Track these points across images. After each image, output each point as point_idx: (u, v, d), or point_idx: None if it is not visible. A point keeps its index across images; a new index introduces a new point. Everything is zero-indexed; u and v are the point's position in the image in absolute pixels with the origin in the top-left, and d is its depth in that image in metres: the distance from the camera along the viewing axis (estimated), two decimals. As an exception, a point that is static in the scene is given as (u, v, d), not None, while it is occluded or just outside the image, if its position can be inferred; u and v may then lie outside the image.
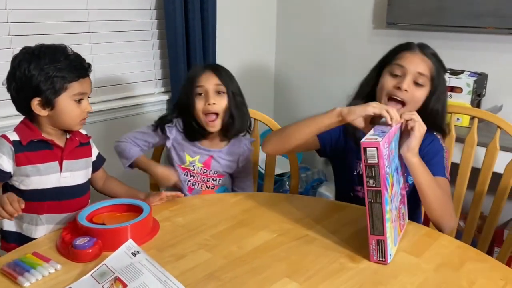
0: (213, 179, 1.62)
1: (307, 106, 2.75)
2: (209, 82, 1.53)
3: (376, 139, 1.01)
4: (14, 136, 1.25)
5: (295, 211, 1.33)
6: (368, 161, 1.01)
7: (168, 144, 1.59)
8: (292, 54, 2.81)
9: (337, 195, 1.59)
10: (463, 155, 1.63)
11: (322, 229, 1.23)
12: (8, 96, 1.27)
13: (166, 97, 2.34)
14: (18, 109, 1.28)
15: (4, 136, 1.24)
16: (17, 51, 1.25)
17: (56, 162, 1.28)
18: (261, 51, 2.81)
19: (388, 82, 1.34)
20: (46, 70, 1.20)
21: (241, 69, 2.70)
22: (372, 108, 1.19)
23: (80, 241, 1.07)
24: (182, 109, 1.59)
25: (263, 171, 1.92)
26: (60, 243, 1.13)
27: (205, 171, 1.60)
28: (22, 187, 1.26)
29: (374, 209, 1.04)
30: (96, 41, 2.07)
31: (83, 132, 1.39)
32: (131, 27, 2.19)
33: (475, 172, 1.61)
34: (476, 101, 1.99)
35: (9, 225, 1.32)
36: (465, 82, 1.93)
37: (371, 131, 1.09)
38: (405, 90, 1.31)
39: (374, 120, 1.22)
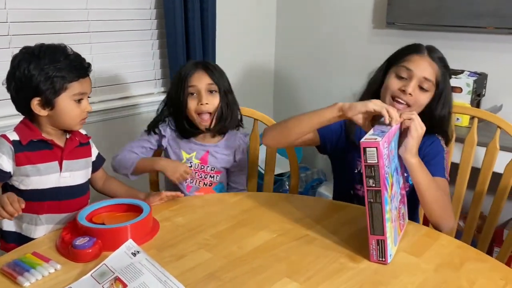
0: (210, 176, 1.62)
1: (307, 106, 2.74)
2: (201, 81, 1.53)
3: (376, 139, 1.01)
4: (14, 136, 1.25)
5: (295, 211, 1.33)
6: (368, 161, 1.01)
7: (164, 143, 1.59)
8: (292, 54, 2.81)
9: (336, 193, 1.59)
10: (463, 155, 1.63)
11: (322, 229, 1.23)
12: (8, 96, 1.26)
13: (165, 97, 2.34)
14: (18, 109, 1.28)
15: (4, 136, 1.24)
16: (16, 51, 1.25)
17: (56, 162, 1.28)
18: (261, 51, 2.81)
19: (393, 83, 1.34)
20: (46, 70, 1.20)
21: (241, 69, 2.70)
22: (373, 104, 1.19)
23: (80, 241, 1.07)
24: (173, 108, 1.58)
25: (263, 171, 1.92)
26: (60, 243, 1.13)
27: (202, 167, 1.60)
28: (22, 187, 1.26)
29: (374, 209, 1.04)
30: (95, 40, 2.07)
31: (83, 132, 1.38)
32: (130, 27, 2.18)
33: (475, 172, 1.61)
34: (476, 101, 1.99)
35: (9, 225, 1.32)
36: (465, 82, 1.93)
37: (371, 131, 1.09)
38: (410, 94, 1.31)
39: (376, 118, 1.22)
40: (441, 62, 1.35)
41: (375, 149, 1.00)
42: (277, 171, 2.14)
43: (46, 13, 1.91)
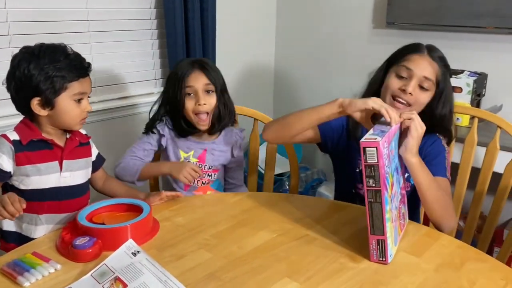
0: (208, 175, 1.62)
1: (307, 106, 2.71)
2: (199, 82, 1.53)
3: (376, 138, 1.01)
4: (14, 136, 1.24)
5: (295, 211, 1.33)
6: (368, 161, 1.01)
7: (164, 142, 1.59)
8: (292, 54, 2.81)
9: (338, 192, 1.59)
10: (463, 155, 1.63)
11: (322, 229, 1.23)
12: (8, 95, 1.26)
13: (165, 96, 2.34)
14: (18, 108, 1.28)
15: (4, 136, 1.24)
16: (16, 50, 1.25)
17: (56, 162, 1.28)
18: (260, 51, 2.81)
19: (393, 83, 1.34)
20: (45, 70, 1.20)
21: (241, 69, 2.70)
22: (372, 102, 1.19)
23: (80, 241, 1.07)
24: (170, 108, 1.58)
25: (263, 171, 1.92)
26: (60, 243, 1.13)
27: (200, 166, 1.60)
28: (22, 187, 1.26)
29: (374, 209, 1.04)
30: (95, 40, 2.07)
31: (83, 132, 1.38)
32: (130, 27, 2.18)
33: (475, 172, 1.61)
34: (476, 100, 1.99)
35: (9, 225, 1.31)
36: (465, 82, 1.93)
37: (371, 131, 1.09)
38: (410, 94, 1.31)
39: (376, 116, 1.22)
40: (441, 61, 1.35)
41: (375, 149, 1.00)
42: (277, 171, 2.14)
43: (46, 13, 1.90)
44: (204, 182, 1.62)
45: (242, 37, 2.65)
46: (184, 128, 1.57)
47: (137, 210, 1.22)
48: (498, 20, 1.99)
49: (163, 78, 2.36)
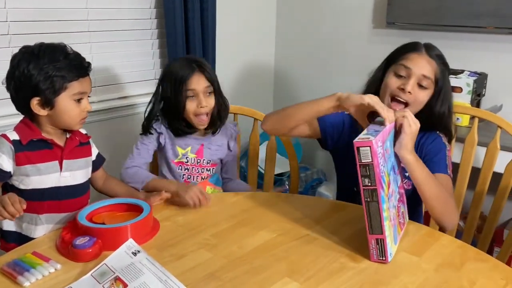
0: (207, 169, 1.63)
1: (307, 106, 2.74)
2: (200, 84, 1.54)
3: (369, 138, 1.02)
4: (14, 136, 1.24)
5: (295, 211, 1.33)
6: (362, 160, 1.01)
7: (162, 140, 1.59)
8: (292, 54, 2.81)
9: (339, 189, 1.59)
10: (463, 154, 1.63)
11: (322, 229, 1.23)
12: (8, 95, 1.26)
13: (165, 96, 2.34)
14: (18, 108, 1.28)
15: (4, 136, 1.24)
16: (16, 50, 1.25)
17: (56, 162, 1.28)
18: (260, 51, 2.81)
19: (392, 82, 1.34)
20: (45, 70, 1.20)
21: (241, 69, 2.70)
22: (368, 98, 1.19)
23: (80, 241, 1.07)
24: (169, 109, 1.57)
25: (263, 171, 1.92)
26: (60, 242, 1.13)
27: (198, 161, 1.61)
28: (22, 187, 1.26)
29: (371, 208, 1.04)
30: (95, 40, 2.07)
31: (83, 131, 1.38)
32: (130, 26, 2.18)
33: (475, 172, 1.61)
34: (476, 100, 1.99)
35: (9, 225, 1.31)
36: (465, 81, 1.93)
37: (365, 131, 1.09)
38: (409, 92, 1.31)
39: (373, 115, 1.22)
40: (440, 59, 1.35)
41: (368, 148, 1.00)
42: (277, 171, 2.14)
43: (46, 13, 1.90)
44: (203, 177, 1.63)
45: (242, 37, 2.65)
46: (183, 129, 1.58)
47: (137, 209, 1.22)
48: (498, 20, 1.99)
49: (163, 78, 2.36)
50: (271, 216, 1.31)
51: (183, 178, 1.61)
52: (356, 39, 2.51)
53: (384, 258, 1.07)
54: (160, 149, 1.63)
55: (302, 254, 1.11)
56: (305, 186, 2.59)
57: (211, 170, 1.64)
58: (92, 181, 1.43)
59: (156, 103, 1.60)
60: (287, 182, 2.51)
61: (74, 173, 1.32)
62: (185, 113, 1.55)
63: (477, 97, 1.98)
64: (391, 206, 1.10)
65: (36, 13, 1.88)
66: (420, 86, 1.32)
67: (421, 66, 1.32)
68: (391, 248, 1.09)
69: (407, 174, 1.25)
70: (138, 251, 1.05)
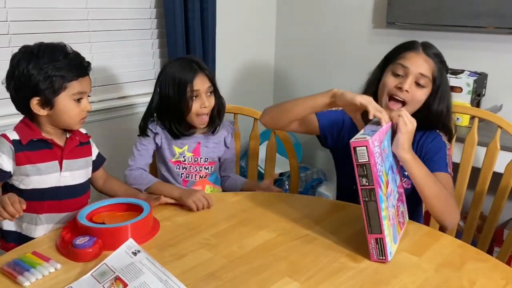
0: (205, 168, 1.63)
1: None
2: (203, 85, 1.55)
3: (365, 137, 1.02)
4: (14, 136, 1.24)
5: (295, 211, 1.33)
6: (359, 160, 1.02)
7: (158, 141, 1.59)
8: (292, 54, 2.80)
9: (339, 188, 1.59)
10: (463, 154, 1.63)
11: (322, 228, 1.23)
12: (8, 95, 1.26)
13: (165, 96, 2.34)
14: (18, 108, 1.28)
15: (4, 136, 1.24)
16: (16, 50, 1.25)
17: (56, 162, 1.28)
18: (260, 51, 2.81)
19: (390, 81, 1.35)
20: (45, 70, 1.20)
21: (241, 68, 2.70)
22: (361, 98, 1.19)
23: (80, 241, 1.07)
24: (170, 110, 1.56)
25: (263, 171, 1.92)
26: (60, 242, 1.13)
27: (195, 159, 1.61)
28: (22, 187, 1.26)
29: (370, 207, 1.04)
30: (95, 40, 2.07)
31: (83, 131, 1.38)
32: (130, 26, 2.18)
33: (475, 171, 1.61)
34: (476, 100, 1.99)
35: (9, 225, 1.31)
36: (465, 81, 1.93)
37: (362, 131, 1.09)
38: (406, 91, 1.31)
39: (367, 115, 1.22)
40: (437, 57, 1.35)
41: (365, 147, 1.00)
42: (277, 171, 2.14)
43: (46, 12, 1.90)
44: (202, 175, 1.63)
45: (242, 37, 2.65)
46: (182, 131, 1.58)
47: (138, 209, 1.22)
48: (498, 20, 1.99)
49: (163, 78, 2.36)
50: (271, 216, 1.31)
51: (181, 177, 1.61)
52: (356, 39, 2.51)
53: (384, 258, 1.07)
54: (157, 150, 1.63)
55: (302, 254, 1.11)
56: (305, 186, 2.59)
57: (209, 169, 1.64)
58: (92, 181, 1.43)
59: (153, 105, 1.61)
60: (287, 182, 2.51)
61: (74, 173, 1.32)
62: (189, 113, 1.55)
63: (477, 97, 1.98)
64: (389, 206, 1.10)
65: (36, 13, 1.88)
66: (417, 84, 1.33)
67: (418, 65, 1.32)
68: (391, 247, 1.09)
69: (406, 173, 1.25)
70: (138, 251, 1.05)
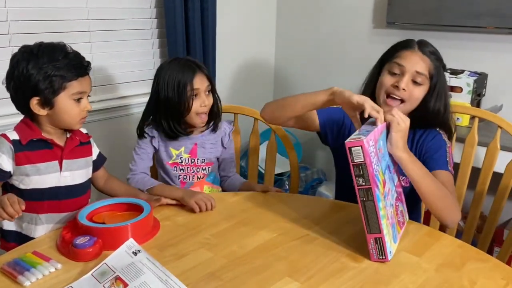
0: (202, 169, 1.63)
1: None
2: (203, 84, 1.56)
3: (360, 137, 1.02)
4: (14, 135, 1.24)
5: (295, 211, 1.33)
6: (355, 160, 1.02)
7: (155, 143, 1.60)
8: (292, 54, 2.80)
9: (338, 186, 1.59)
10: (463, 154, 1.63)
11: (323, 228, 1.23)
12: (8, 95, 1.26)
13: (165, 96, 2.34)
14: (18, 108, 1.28)
15: (4, 135, 1.24)
16: (16, 49, 1.25)
17: (56, 162, 1.28)
18: (261, 51, 2.81)
19: (386, 80, 1.35)
20: (44, 69, 1.19)
21: (241, 68, 2.70)
22: (357, 97, 1.19)
23: (80, 240, 1.07)
24: (170, 111, 1.55)
25: (263, 171, 1.92)
26: (60, 242, 1.13)
27: (192, 160, 1.61)
28: (22, 187, 1.26)
29: (368, 207, 1.04)
30: (95, 40, 2.07)
31: (84, 131, 1.38)
32: (131, 26, 2.18)
33: (476, 172, 1.61)
34: (476, 100, 1.99)
35: (9, 225, 1.31)
36: (465, 81, 1.93)
37: (357, 131, 1.10)
38: (403, 89, 1.31)
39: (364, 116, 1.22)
40: (433, 55, 1.35)
41: (360, 147, 1.01)
42: (277, 171, 2.14)
43: (46, 12, 1.90)
44: (199, 176, 1.63)
45: (242, 36, 2.65)
46: (180, 131, 1.58)
47: (138, 209, 1.22)
48: (498, 20, 1.99)
49: (163, 77, 2.36)
50: (271, 216, 1.31)
51: (179, 179, 1.61)
52: (356, 39, 2.51)
53: (384, 257, 1.07)
54: (155, 152, 1.63)
55: (303, 254, 1.11)
56: (305, 186, 2.59)
57: (206, 169, 1.64)
58: (93, 181, 1.43)
59: (150, 107, 1.61)
60: (287, 182, 2.51)
61: (74, 173, 1.32)
62: (190, 113, 1.55)
63: (477, 97, 1.98)
64: (387, 205, 1.10)
65: (36, 12, 1.88)
66: (414, 82, 1.33)
67: (414, 63, 1.32)
68: (391, 246, 1.09)
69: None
70: (139, 251, 1.05)
